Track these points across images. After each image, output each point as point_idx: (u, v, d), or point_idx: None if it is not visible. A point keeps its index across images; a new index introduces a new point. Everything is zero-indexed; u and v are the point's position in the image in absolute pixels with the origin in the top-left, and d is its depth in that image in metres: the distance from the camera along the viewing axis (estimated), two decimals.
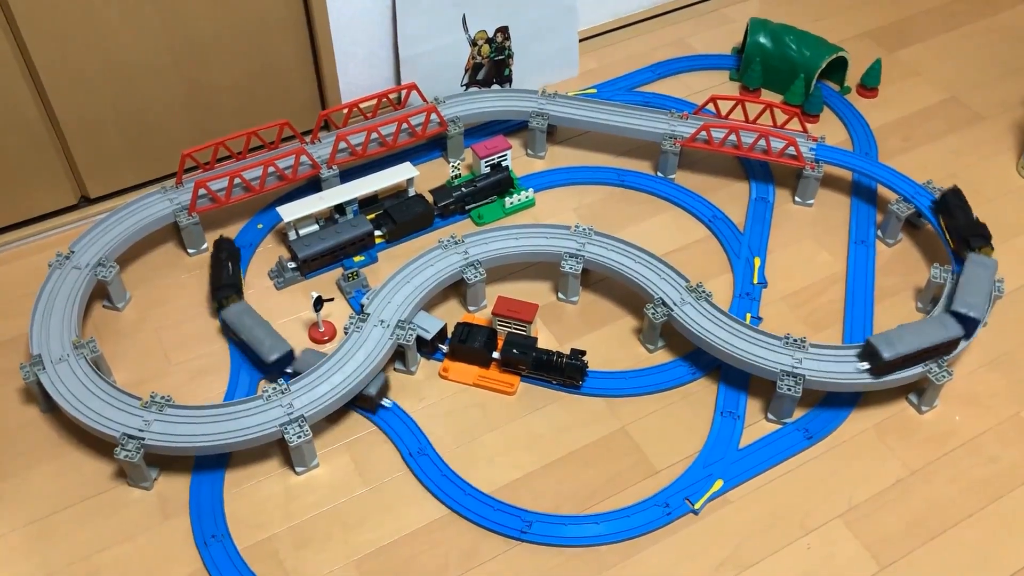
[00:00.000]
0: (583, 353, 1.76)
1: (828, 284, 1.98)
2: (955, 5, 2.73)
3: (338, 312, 1.90)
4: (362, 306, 1.78)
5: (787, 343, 1.72)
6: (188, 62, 2.00)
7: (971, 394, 1.79)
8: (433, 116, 2.12)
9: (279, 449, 1.68)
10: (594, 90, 2.40)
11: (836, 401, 1.76)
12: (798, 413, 1.74)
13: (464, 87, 2.36)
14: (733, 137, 2.09)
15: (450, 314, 1.90)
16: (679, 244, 2.05)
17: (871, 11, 2.70)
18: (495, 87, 2.39)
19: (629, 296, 1.91)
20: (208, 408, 1.62)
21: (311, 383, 1.66)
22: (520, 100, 2.22)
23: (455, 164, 2.14)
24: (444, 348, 1.82)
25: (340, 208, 2.02)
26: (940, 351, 1.70)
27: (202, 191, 1.94)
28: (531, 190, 2.12)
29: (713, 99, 2.15)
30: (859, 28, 2.64)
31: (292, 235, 1.97)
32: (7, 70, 1.83)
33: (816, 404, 1.76)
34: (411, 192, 2.08)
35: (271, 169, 2.00)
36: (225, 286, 1.85)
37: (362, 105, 2.10)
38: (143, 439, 1.57)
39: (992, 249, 1.87)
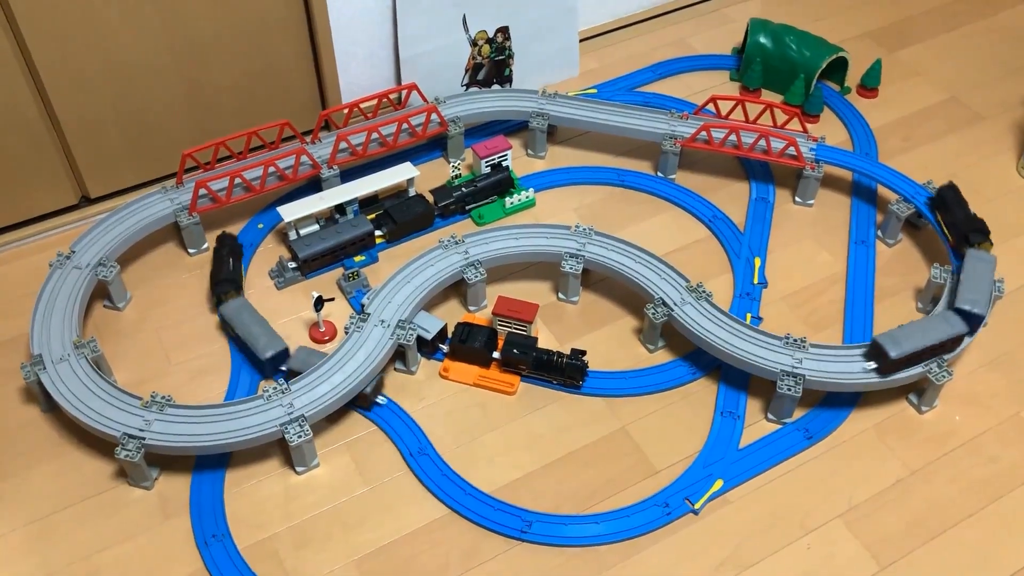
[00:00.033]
0: (583, 353, 1.76)
1: (828, 284, 1.98)
2: (955, 5, 2.73)
3: (338, 312, 1.90)
4: (363, 306, 1.79)
5: (787, 343, 1.72)
6: (188, 62, 2.01)
7: (971, 394, 1.79)
8: (433, 116, 2.12)
9: (279, 449, 1.68)
10: (594, 90, 2.41)
11: (836, 401, 1.76)
12: (798, 413, 1.74)
13: (464, 87, 2.36)
14: (733, 137, 2.09)
15: (450, 314, 1.90)
16: (679, 244, 2.05)
17: (871, 11, 2.71)
18: (495, 87, 2.39)
19: (629, 296, 1.91)
20: (208, 408, 1.62)
21: (311, 383, 1.66)
22: (520, 100, 2.22)
23: (455, 164, 2.14)
24: (444, 348, 1.82)
25: (340, 208, 2.02)
26: (945, 348, 1.70)
27: (203, 191, 1.94)
28: (531, 190, 2.12)
29: (713, 99, 2.15)
30: (859, 28, 2.64)
31: (293, 235, 1.97)
32: (8, 70, 1.83)
33: (816, 404, 1.76)
34: (411, 192, 2.09)
35: (271, 169, 2.00)
36: (224, 281, 1.85)
37: (362, 105, 2.10)
38: (144, 439, 1.57)
39: (991, 244, 1.87)
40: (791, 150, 2.07)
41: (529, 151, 2.25)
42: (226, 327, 1.84)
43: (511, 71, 2.39)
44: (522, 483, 1.65)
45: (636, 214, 2.11)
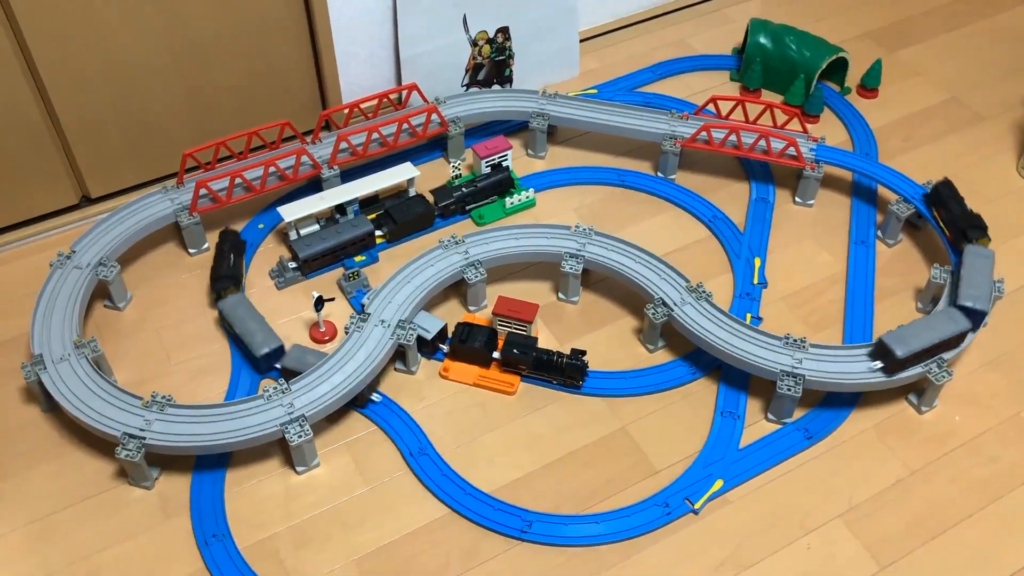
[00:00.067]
0: (583, 353, 1.76)
1: (828, 284, 1.98)
2: (955, 5, 2.73)
3: (339, 312, 1.90)
4: (363, 306, 1.79)
5: (787, 343, 1.72)
6: (189, 62, 2.01)
7: (971, 394, 1.79)
8: (434, 116, 2.12)
9: (280, 449, 1.69)
10: (595, 90, 2.41)
11: (836, 401, 1.76)
12: (798, 413, 1.74)
13: (465, 87, 2.36)
14: (733, 137, 2.09)
15: (450, 314, 1.90)
16: (679, 244, 2.05)
17: (871, 11, 2.71)
18: (496, 87, 2.39)
19: (629, 296, 1.91)
20: (209, 408, 1.62)
21: (312, 383, 1.66)
22: (521, 100, 2.22)
23: (456, 164, 2.14)
24: (444, 348, 1.82)
25: (341, 208, 2.02)
26: (949, 345, 1.70)
27: (203, 191, 1.94)
28: (531, 190, 2.12)
29: (713, 99, 2.15)
30: (859, 28, 2.64)
31: (293, 235, 1.97)
32: (8, 70, 1.83)
33: (816, 404, 1.76)
34: (412, 192, 2.09)
35: (272, 169, 2.00)
36: (224, 277, 1.85)
37: (363, 105, 2.11)
38: (144, 438, 1.57)
39: (989, 240, 1.87)
40: (791, 150, 2.07)
41: (529, 151, 2.25)
42: (224, 323, 1.84)
43: (511, 71, 2.39)
44: (522, 483, 1.65)
45: (636, 214, 2.12)
